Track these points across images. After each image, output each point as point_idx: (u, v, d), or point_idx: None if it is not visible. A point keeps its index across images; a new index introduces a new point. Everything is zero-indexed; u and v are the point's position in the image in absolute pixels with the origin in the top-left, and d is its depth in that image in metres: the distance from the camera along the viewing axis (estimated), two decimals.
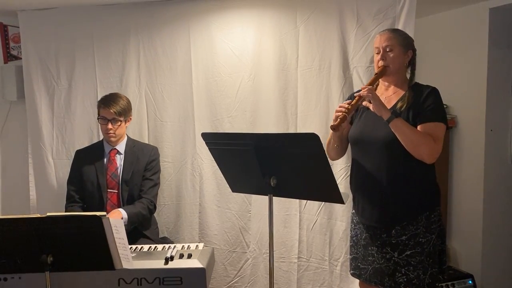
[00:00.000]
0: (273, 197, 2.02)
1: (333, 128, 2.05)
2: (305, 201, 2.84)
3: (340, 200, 1.96)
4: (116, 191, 2.72)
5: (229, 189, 2.27)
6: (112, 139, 2.73)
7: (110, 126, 2.68)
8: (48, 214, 1.75)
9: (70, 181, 2.81)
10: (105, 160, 2.76)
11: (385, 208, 2.10)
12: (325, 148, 1.98)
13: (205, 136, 2.13)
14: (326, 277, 2.83)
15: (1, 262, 1.82)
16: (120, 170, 2.74)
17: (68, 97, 3.13)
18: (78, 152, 2.87)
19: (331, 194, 1.96)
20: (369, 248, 2.17)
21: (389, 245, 2.10)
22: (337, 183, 1.98)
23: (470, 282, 3.13)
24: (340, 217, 2.77)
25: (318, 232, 2.84)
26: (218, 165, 2.19)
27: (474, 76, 3.20)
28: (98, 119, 2.74)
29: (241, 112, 2.93)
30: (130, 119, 2.81)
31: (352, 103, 2.07)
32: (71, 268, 1.87)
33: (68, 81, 3.12)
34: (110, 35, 3.07)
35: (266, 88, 2.89)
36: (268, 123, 2.89)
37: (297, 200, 2.86)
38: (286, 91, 2.86)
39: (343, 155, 2.38)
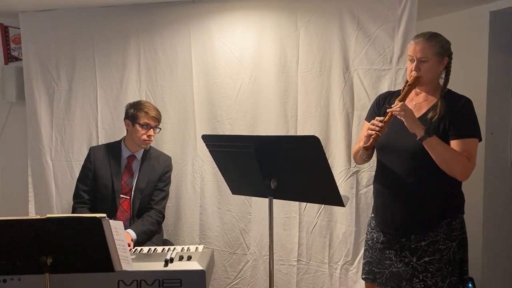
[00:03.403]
0: (273, 200, 2.02)
1: (366, 149, 2.01)
2: (305, 203, 2.83)
3: (340, 203, 1.95)
4: (128, 198, 2.70)
5: (230, 191, 2.27)
6: (148, 146, 2.75)
7: (152, 132, 2.71)
8: (48, 215, 1.74)
9: (81, 181, 2.75)
10: (122, 165, 2.74)
11: (406, 216, 2.06)
12: (325, 150, 1.97)
13: (206, 138, 2.12)
14: (325, 280, 2.83)
15: (1, 264, 1.81)
16: (135, 177, 2.73)
17: (68, 98, 3.13)
18: (94, 150, 2.80)
19: (331, 197, 1.94)
20: (387, 252, 2.13)
21: (408, 250, 2.06)
22: (337, 185, 1.97)
23: (470, 285, 3.12)
24: (340, 220, 2.76)
25: (317, 234, 2.83)
26: (218, 167, 2.19)
27: (474, 79, 3.19)
28: (134, 123, 2.68)
29: (242, 114, 2.94)
30: None
31: (385, 120, 2.01)
32: (70, 270, 1.86)
33: (68, 82, 3.13)
34: (111, 36, 3.08)
35: (267, 90, 2.89)
36: (269, 125, 2.89)
37: (297, 203, 2.85)
38: (287, 93, 2.86)
39: (369, 160, 2.33)
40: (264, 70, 2.89)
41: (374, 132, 1.99)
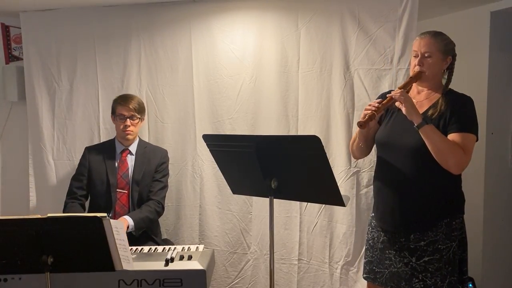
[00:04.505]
0: (274, 199, 2.02)
1: (360, 124, 2.01)
2: (306, 203, 2.84)
3: (341, 203, 1.96)
4: (126, 191, 2.72)
5: (230, 191, 2.27)
6: (129, 137, 2.74)
7: (128, 123, 2.70)
8: (49, 215, 1.75)
9: (75, 178, 2.79)
10: (116, 160, 2.76)
11: (405, 214, 2.06)
12: (326, 150, 1.97)
13: (206, 137, 2.13)
14: (326, 279, 2.83)
15: (1, 263, 1.81)
16: (131, 171, 2.75)
17: (69, 98, 3.14)
18: (88, 149, 2.85)
19: (332, 197, 1.95)
20: (387, 252, 2.13)
21: (407, 250, 2.07)
22: (338, 185, 1.97)
23: (471, 285, 3.12)
24: (340, 219, 2.77)
25: (318, 234, 2.83)
26: (219, 167, 2.20)
27: (474, 79, 3.19)
28: (115, 117, 2.75)
29: (242, 113, 2.94)
30: (143, 119, 2.84)
31: (383, 102, 2.03)
32: (71, 269, 1.86)
33: (70, 82, 3.13)
34: (112, 36, 3.08)
35: (267, 90, 2.89)
36: (269, 125, 2.89)
37: (298, 202, 2.86)
38: (287, 93, 2.86)
39: (367, 155, 2.33)
40: (265, 70, 2.89)
41: (370, 111, 2.01)
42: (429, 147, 1.97)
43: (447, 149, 1.96)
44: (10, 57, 3.42)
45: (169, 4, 3.00)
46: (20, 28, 3.17)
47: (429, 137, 1.96)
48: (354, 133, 2.31)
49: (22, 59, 3.27)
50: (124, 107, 2.71)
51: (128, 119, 2.71)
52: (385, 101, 2.04)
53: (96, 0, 2.98)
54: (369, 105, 2.05)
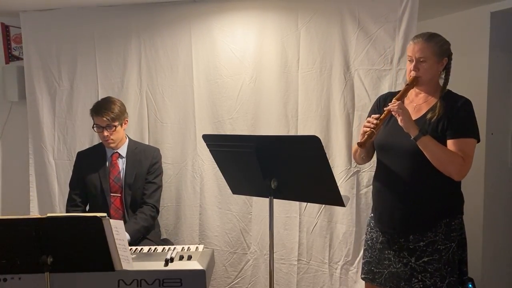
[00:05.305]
0: (274, 199, 2.02)
1: (360, 145, 2.01)
2: (306, 203, 2.84)
3: (340, 203, 1.96)
4: (119, 195, 2.70)
5: (230, 191, 2.27)
6: (112, 145, 2.69)
7: (106, 133, 2.63)
8: (49, 214, 1.75)
9: (72, 184, 2.79)
10: (107, 163, 2.73)
11: (404, 216, 2.06)
12: (326, 150, 1.97)
13: (206, 137, 2.13)
14: (325, 280, 2.83)
15: (1, 263, 1.82)
16: (122, 174, 2.71)
17: (69, 98, 3.14)
18: (80, 154, 2.84)
19: (331, 197, 1.95)
20: (386, 252, 2.13)
21: (407, 250, 2.07)
22: (338, 185, 1.97)
23: (470, 286, 3.11)
24: (340, 220, 2.77)
25: (318, 234, 2.83)
26: (219, 167, 2.19)
27: (474, 80, 3.19)
28: (93, 127, 2.69)
29: (242, 114, 2.94)
30: (126, 121, 2.76)
31: (381, 117, 2.02)
32: (71, 269, 1.87)
33: (70, 82, 3.13)
34: (112, 36, 3.08)
35: (267, 90, 2.89)
36: (269, 125, 2.89)
37: (297, 203, 2.86)
38: (287, 93, 2.86)
39: (370, 160, 2.34)
40: (265, 70, 2.89)
41: (368, 129, 2.00)
42: (428, 157, 1.97)
43: (446, 159, 1.96)
44: (10, 57, 3.42)
45: (169, 4, 3.00)
46: (20, 28, 3.17)
47: (427, 148, 1.96)
48: (355, 145, 2.30)
49: (22, 59, 3.27)
50: (98, 118, 2.62)
51: (104, 130, 2.63)
52: (383, 115, 2.03)
53: (96, 0, 2.99)
54: (368, 122, 2.04)
